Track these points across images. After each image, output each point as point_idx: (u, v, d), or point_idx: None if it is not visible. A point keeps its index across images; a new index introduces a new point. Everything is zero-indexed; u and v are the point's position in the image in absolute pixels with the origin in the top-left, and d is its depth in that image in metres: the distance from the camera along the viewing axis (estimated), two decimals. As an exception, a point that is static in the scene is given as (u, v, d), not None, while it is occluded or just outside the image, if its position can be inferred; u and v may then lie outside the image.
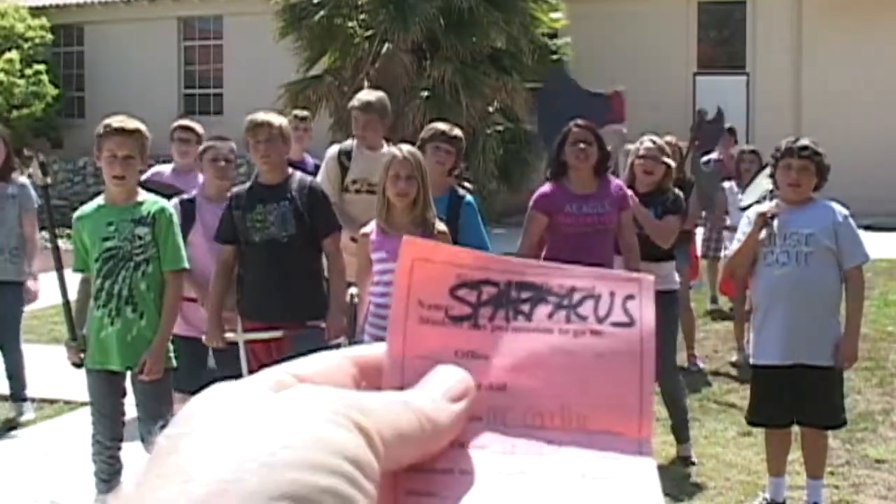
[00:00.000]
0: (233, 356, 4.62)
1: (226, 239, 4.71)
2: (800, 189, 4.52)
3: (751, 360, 4.75)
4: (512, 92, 16.15)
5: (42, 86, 19.35)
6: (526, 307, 0.54)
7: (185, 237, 4.58)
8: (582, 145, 5.00)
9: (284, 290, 4.55)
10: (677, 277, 5.84)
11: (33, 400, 6.24)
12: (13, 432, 5.89)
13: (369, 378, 0.52)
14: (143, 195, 4.30)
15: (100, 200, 4.28)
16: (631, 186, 5.49)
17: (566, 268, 0.55)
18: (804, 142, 4.57)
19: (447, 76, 15.17)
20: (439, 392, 0.50)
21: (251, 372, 5.56)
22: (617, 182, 5.20)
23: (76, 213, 4.33)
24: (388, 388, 0.52)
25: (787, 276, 4.43)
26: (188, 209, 4.91)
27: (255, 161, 4.74)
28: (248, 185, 4.81)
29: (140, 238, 4.16)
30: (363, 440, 0.43)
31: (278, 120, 4.76)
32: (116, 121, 4.20)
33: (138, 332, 4.16)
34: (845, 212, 4.57)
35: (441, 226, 4.34)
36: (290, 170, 4.83)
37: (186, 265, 4.33)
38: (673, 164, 5.78)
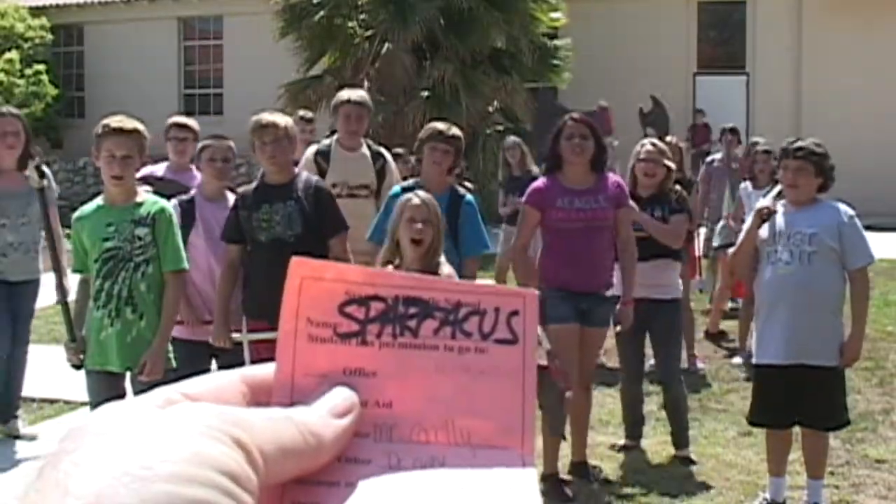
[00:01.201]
0: (236, 357, 4.62)
1: (232, 239, 4.70)
2: (798, 189, 4.52)
3: (753, 360, 4.73)
4: (512, 92, 16.15)
5: (42, 86, 19.35)
6: (413, 323, 0.56)
7: (185, 237, 4.57)
8: (577, 139, 4.93)
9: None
10: (681, 285, 5.84)
11: (34, 400, 6.22)
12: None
13: (260, 396, 0.53)
14: (142, 195, 4.29)
15: (99, 201, 4.27)
16: (633, 190, 5.47)
17: (453, 282, 0.58)
18: (801, 143, 4.57)
19: (447, 76, 15.16)
20: (325, 408, 0.52)
21: None
22: (615, 178, 5.14)
23: (75, 214, 4.31)
24: (278, 405, 0.53)
25: (790, 275, 4.43)
26: (188, 209, 4.89)
27: (262, 162, 4.73)
28: (253, 184, 4.79)
29: (140, 238, 4.14)
30: (241, 454, 0.45)
31: (284, 120, 4.75)
32: (115, 121, 4.19)
33: (138, 333, 4.16)
34: (851, 212, 4.56)
35: (447, 268, 4.24)
36: (296, 169, 4.84)
37: (186, 266, 4.32)
38: (673, 166, 5.77)
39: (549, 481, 4.90)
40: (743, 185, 8.02)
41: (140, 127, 4.26)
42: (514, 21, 15.87)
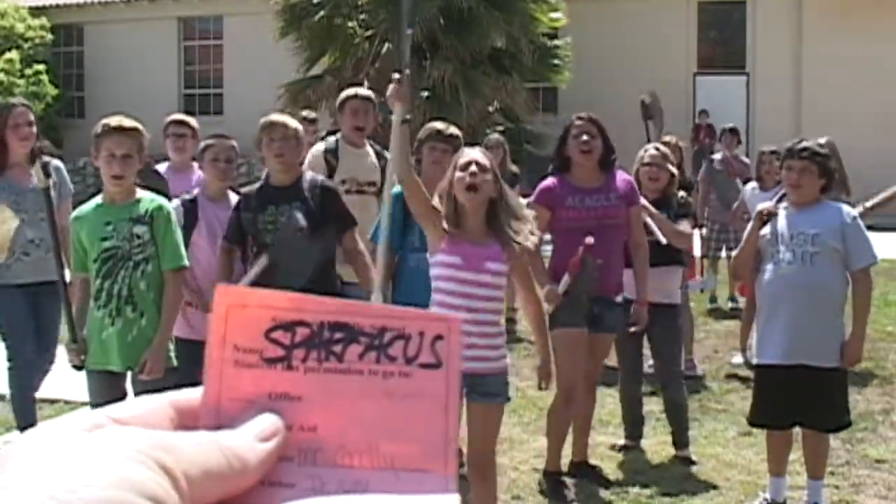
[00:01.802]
0: None
1: (233, 240, 4.66)
2: (801, 190, 4.51)
3: (753, 360, 4.73)
4: (512, 92, 16.15)
5: (42, 86, 19.35)
6: (338, 348, 0.57)
7: (187, 237, 4.56)
8: (585, 137, 4.87)
9: (298, 291, 4.47)
10: (679, 291, 5.83)
11: (34, 400, 6.22)
12: (13, 432, 5.88)
13: (187, 420, 0.55)
14: (140, 193, 4.29)
15: (97, 200, 4.26)
16: None
17: (378, 307, 0.59)
18: (805, 143, 4.58)
19: (447, 76, 15.17)
20: (250, 432, 0.53)
21: None
22: (625, 177, 5.08)
23: (73, 214, 4.30)
24: (204, 429, 0.54)
25: (792, 275, 4.42)
26: (190, 209, 4.87)
27: (269, 160, 4.67)
28: (257, 186, 4.74)
29: (138, 237, 4.13)
30: (166, 479, 0.46)
31: (294, 122, 4.74)
32: (114, 120, 4.19)
33: (139, 332, 4.15)
34: (854, 213, 4.57)
35: (532, 238, 3.94)
36: (302, 168, 4.80)
37: (186, 263, 4.31)
38: (676, 171, 5.74)
39: (550, 480, 4.91)
40: (751, 186, 8.00)
41: (139, 126, 4.26)
42: (514, 21, 15.87)
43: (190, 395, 0.56)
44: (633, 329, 5.16)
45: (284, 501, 0.53)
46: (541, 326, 4.21)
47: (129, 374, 4.25)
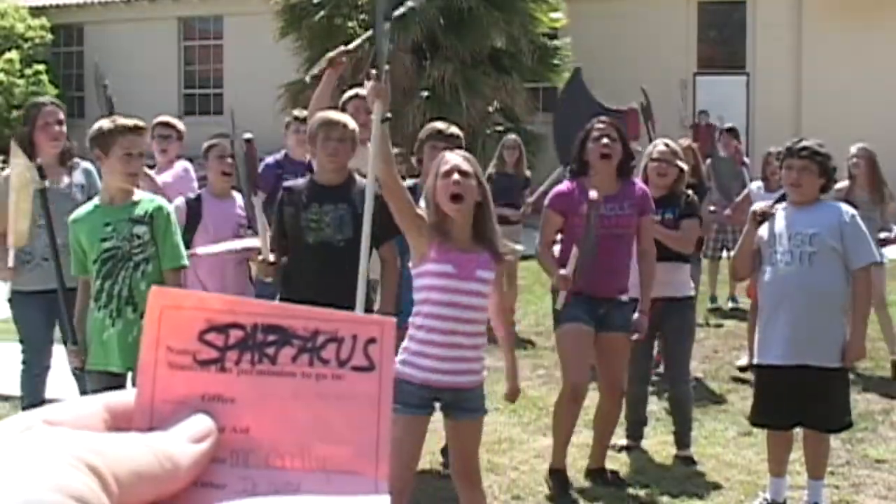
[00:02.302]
0: None
1: (280, 243, 4.44)
2: (801, 189, 4.51)
3: (755, 360, 4.73)
4: (512, 92, 16.15)
5: (42, 86, 19.34)
6: (271, 350, 0.57)
7: (191, 235, 4.56)
8: (606, 140, 4.82)
9: (336, 296, 4.08)
10: (692, 284, 5.76)
11: (43, 403, 6.23)
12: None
13: (121, 422, 0.55)
14: (139, 194, 4.28)
15: (95, 201, 4.25)
16: None
17: (311, 310, 0.59)
18: (805, 143, 4.57)
19: (447, 76, 15.17)
20: (182, 433, 0.54)
21: None
22: (641, 185, 5.05)
23: (72, 217, 4.27)
24: (137, 431, 0.55)
25: (792, 275, 4.42)
26: (195, 207, 4.84)
27: (321, 156, 4.45)
28: (302, 181, 4.57)
29: (138, 237, 4.12)
30: (95, 480, 0.46)
31: (353, 124, 4.58)
32: (129, 120, 4.21)
33: (139, 333, 4.12)
34: (853, 212, 4.56)
35: (514, 246, 3.95)
36: (351, 173, 4.62)
37: (186, 263, 4.30)
38: (685, 167, 5.69)
39: (554, 478, 4.89)
40: (756, 185, 7.98)
41: (146, 125, 4.32)
42: (514, 21, 15.87)
43: (123, 397, 0.56)
44: (634, 337, 5.05)
45: (216, 502, 0.54)
46: (511, 344, 4.09)
47: (129, 374, 4.24)
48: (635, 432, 5.64)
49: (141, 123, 4.25)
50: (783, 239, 4.46)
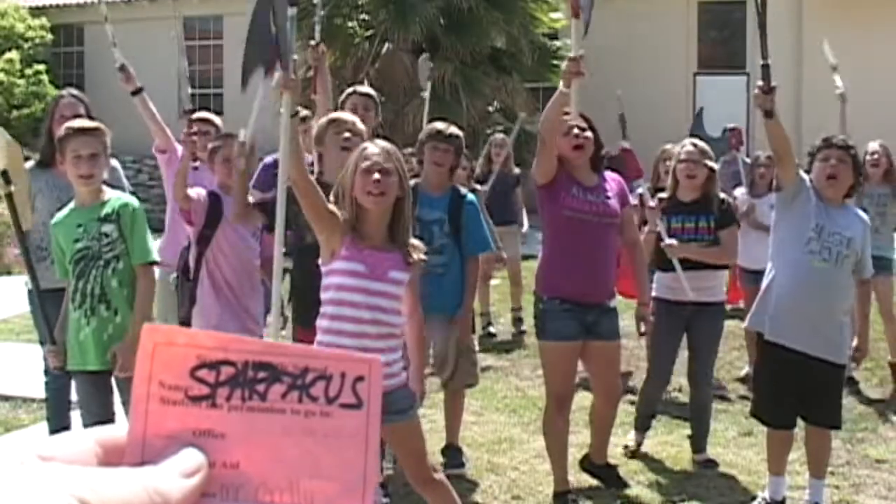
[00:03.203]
0: None
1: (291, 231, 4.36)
2: (838, 183, 4.45)
3: (766, 336, 4.52)
4: (512, 92, 16.14)
5: (42, 86, 19.34)
6: (261, 387, 0.58)
7: (213, 230, 4.51)
8: (577, 131, 4.52)
9: None
10: (724, 290, 5.54)
11: (34, 400, 6.22)
12: (13, 432, 5.88)
13: (112, 456, 0.56)
14: (108, 194, 4.29)
15: (71, 205, 4.28)
16: (673, 195, 5.30)
17: (301, 347, 0.60)
18: (842, 137, 4.61)
19: (447, 76, 15.16)
20: (173, 468, 0.55)
21: None
22: (614, 176, 4.81)
23: (52, 221, 4.31)
24: (129, 465, 0.56)
25: (824, 272, 4.40)
26: (215, 204, 4.68)
27: (330, 156, 4.37)
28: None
29: (107, 235, 4.15)
30: None
31: (361, 124, 4.56)
32: (76, 122, 4.25)
33: (114, 330, 4.15)
34: (868, 221, 4.66)
35: (418, 247, 3.64)
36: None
37: (156, 258, 4.30)
38: (716, 166, 5.47)
39: (560, 500, 4.71)
40: (740, 191, 7.89)
41: (102, 126, 4.26)
42: (514, 21, 15.88)
43: (115, 432, 0.57)
44: (643, 330, 4.98)
45: None
46: (420, 348, 3.83)
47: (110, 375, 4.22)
48: (644, 424, 5.56)
49: (90, 125, 4.22)
50: (824, 233, 4.41)
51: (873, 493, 4.98)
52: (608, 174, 4.76)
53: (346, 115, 4.56)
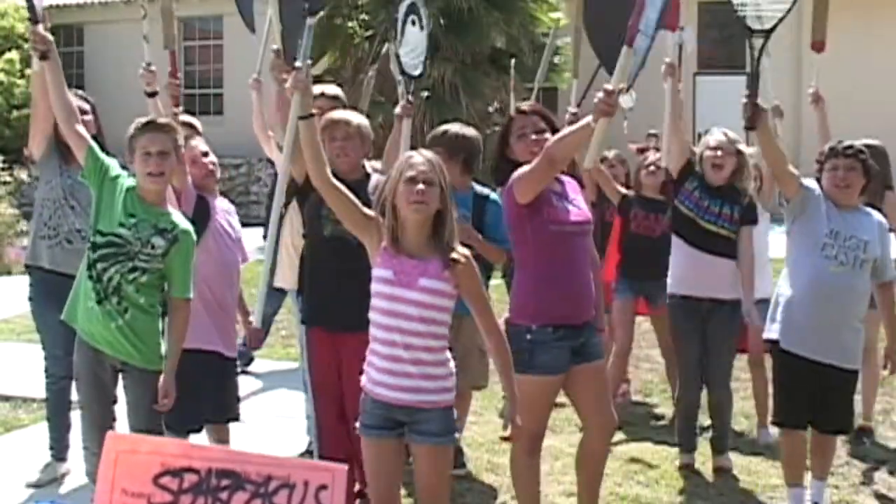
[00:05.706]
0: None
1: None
2: (850, 190, 4.43)
3: (780, 345, 4.46)
4: (512, 92, 16.13)
5: (42, 86, 19.33)
6: (224, 495, 0.59)
7: (201, 233, 4.36)
8: (535, 136, 4.09)
9: (352, 294, 3.92)
10: (740, 287, 5.12)
11: (34, 400, 6.22)
12: (13, 432, 5.88)
13: None
14: (169, 206, 4.15)
15: (131, 182, 4.06)
16: (703, 180, 5.14)
17: (264, 456, 0.61)
18: (848, 142, 4.53)
19: (447, 76, 15.16)
20: None
21: (315, 369, 4.59)
22: (569, 179, 4.22)
23: (119, 171, 4.09)
24: None
25: (842, 276, 4.37)
26: (203, 206, 4.62)
27: (331, 157, 4.16)
28: None
29: (153, 247, 3.98)
30: None
31: (357, 119, 4.50)
32: (145, 118, 4.11)
33: (117, 327, 3.98)
34: (885, 222, 4.59)
35: (462, 252, 3.43)
36: (369, 170, 4.51)
37: (192, 295, 4.15)
38: (750, 150, 5.28)
39: None
40: None
41: (173, 122, 4.16)
42: (514, 21, 15.87)
43: None
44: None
45: None
46: (506, 363, 3.49)
47: (120, 377, 4.09)
48: (689, 443, 5.29)
49: (162, 120, 4.12)
50: (840, 238, 4.38)
51: (873, 493, 4.98)
52: (562, 177, 4.16)
53: (338, 116, 4.47)
